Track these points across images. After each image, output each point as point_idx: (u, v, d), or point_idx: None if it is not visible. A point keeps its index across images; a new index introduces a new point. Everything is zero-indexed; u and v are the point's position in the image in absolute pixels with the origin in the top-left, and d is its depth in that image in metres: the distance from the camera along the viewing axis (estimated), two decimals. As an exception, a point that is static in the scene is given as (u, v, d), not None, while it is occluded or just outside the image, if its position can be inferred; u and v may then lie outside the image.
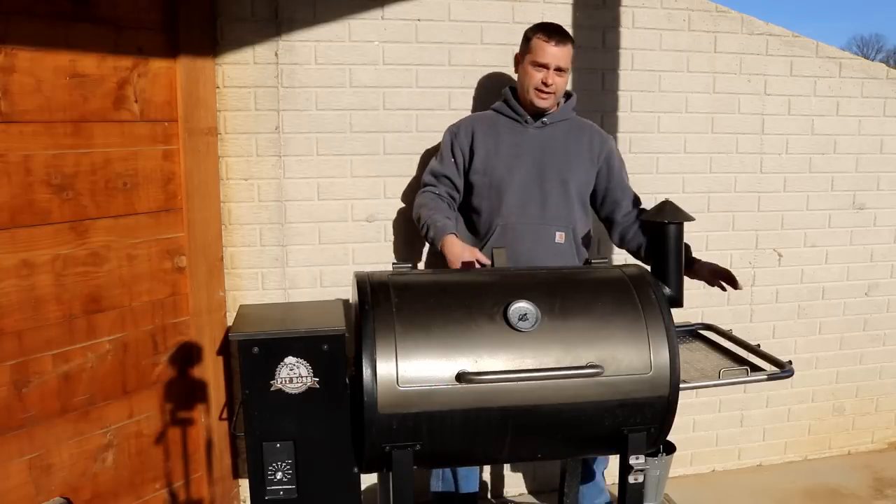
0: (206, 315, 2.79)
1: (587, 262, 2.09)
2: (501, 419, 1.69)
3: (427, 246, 2.96)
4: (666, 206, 2.03)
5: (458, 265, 2.35)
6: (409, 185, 2.96)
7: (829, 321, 3.54)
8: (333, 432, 1.74)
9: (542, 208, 2.58)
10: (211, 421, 2.85)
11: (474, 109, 2.94)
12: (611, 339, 1.72)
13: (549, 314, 1.71)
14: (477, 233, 2.65)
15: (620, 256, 3.08)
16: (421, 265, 3.02)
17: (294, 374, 1.70)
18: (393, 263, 1.89)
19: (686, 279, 2.08)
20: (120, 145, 2.48)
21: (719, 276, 2.36)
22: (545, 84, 2.52)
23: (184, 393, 2.77)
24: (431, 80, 2.92)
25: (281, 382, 1.70)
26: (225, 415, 2.88)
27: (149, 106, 2.55)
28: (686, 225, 2.01)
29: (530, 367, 1.66)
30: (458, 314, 1.70)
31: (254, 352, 1.68)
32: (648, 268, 1.99)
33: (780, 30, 3.25)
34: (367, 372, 1.61)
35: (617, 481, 1.88)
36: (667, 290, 1.95)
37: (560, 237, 2.60)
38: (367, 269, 1.85)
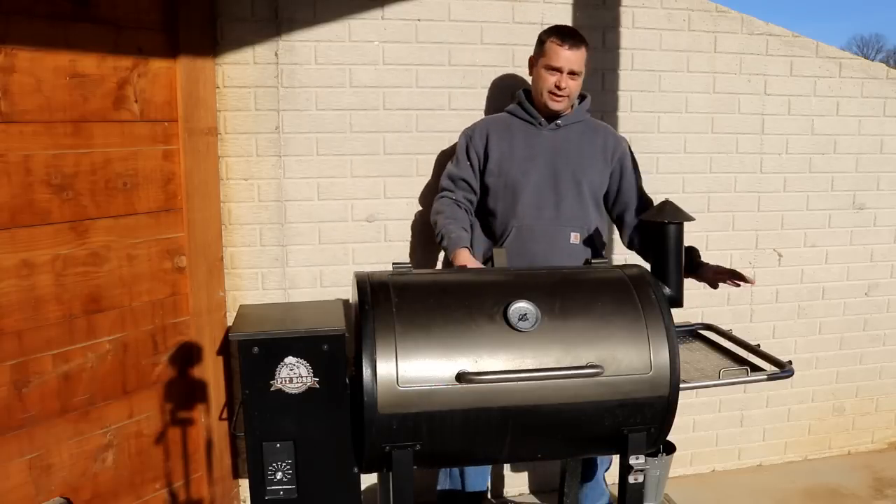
0: (206, 315, 2.79)
1: (587, 262, 2.09)
2: (501, 419, 1.69)
3: (442, 253, 2.96)
4: (666, 206, 2.03)
5: None
6: (427, 187, 2.97)
7: (829, 321, 3.54)
8: (333, 432, 1.74)
9: (556, 209, 2.60)
10: (211, 421, 2.85)
11: (487, 111, 2.95)
12: (611, 339, 1.72)
13: (549, 314, 1.71)
14: (493, 234, 2.67)
15: (620, 256, 3.08)
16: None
17: (294, 374, 1.70)
18: (393, 263, 1.89)
19: (686, 279, 2.09)
20: (120, 145, 2.48)
21: (725, 277, 2.37)
22: (559, 88, 2.54)
23: (184, 393, 2.77)
24: (431, 80, 2.92)
25: (281, 382, 1.70)
26: (225, 415, 2.88)
27: (149, 106, 2.55)
28: (686, 225, 2.01)
29: (530, 367, 1.66)
30: (458, 314, 1.70)
31: (254, 352, 1.68)
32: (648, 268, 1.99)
33: (780, 30, 3.25)
34: (367, 372, 1.61)
35: (617, 481, 1.88)
36: (667, 290, 1.95)
37: (575, 238, 2.62)
38: (367, 269, 1.85)
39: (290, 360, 1.69)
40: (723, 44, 3.17)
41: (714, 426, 3.49)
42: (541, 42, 2.60)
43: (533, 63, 2.65)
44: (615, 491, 2.00)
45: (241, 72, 2.77)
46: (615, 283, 1.83)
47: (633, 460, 1.76)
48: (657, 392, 1.72)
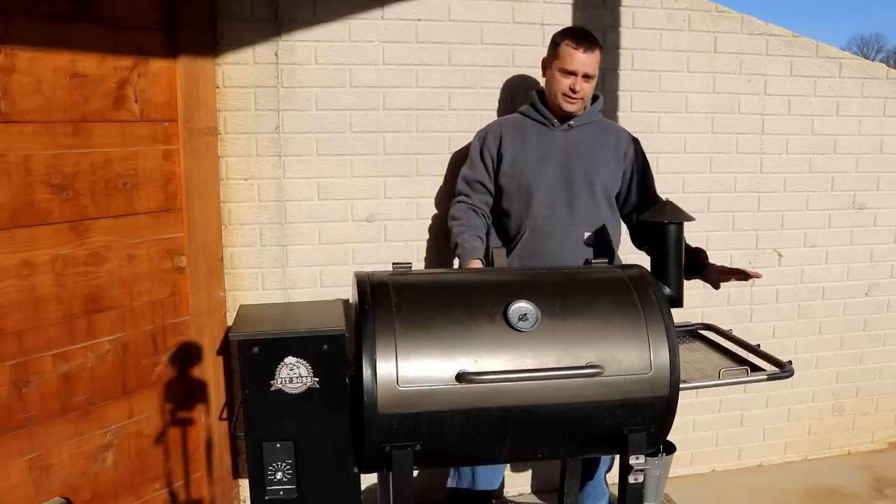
0: (206, 315, 2.79)
1: (587, 262, 2.10)
2: (501, 419, 1.69)
3: (457, 260, 2.96)
4: (666, 206, 2.03)
5: None
6: (442, 188, 2.98)
7: (829, 321, 3.54)
8: (333, 432, 1.74)
9: (569, 209, 2.61)
10: (211, 421, 2.85)
11: (499, 112, 2.96)
12: (611, 339, 1.72)
13: (549, 314, 1.71)
14: (506, 234, 2.68)
15: (634, 256, 3.08)
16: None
17: (294, 374, 1.70)
18: (393, 263, 1.89)
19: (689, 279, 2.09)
20: (120, 145, 2.48)
21: (728, 277, 2.37)
22: (573, 90, 2.56)
23: (184, 393, 2.77)
24: (431, 80, 2.92)
25: (281, 382, 1.70)
26: (225, 415, 2.88)
27: (149, 106, 2.55)
28: (686, 225, 2.01)
29: (530, 367, 1.66)
30: (458, 314, 1.70)
31: (254, 352, 1.68)
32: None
33: (780, 30, 3.25)
34: (367, 372, 1.60)
35: (617, 481, 1.88)
36: (667, 290, 1.95)
37: (588, 238, 2.62)
38: (367, 269, 1.85)
39: (290, 360, 1.69)
40: (723, 44, 3.17)
41: (714, 426, 3.49)
42: (555, 44, 2.60)
43: (547, 65, 2.65)
44: (616, 491, 2.00)
45: (241, 72, 2.77)
46: (615, 283, 1.83)
47: (633, 460, 1.76)
48: (657, 392, 1.72)
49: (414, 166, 2.96)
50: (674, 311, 1.82)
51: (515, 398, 1.67)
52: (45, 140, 2.27)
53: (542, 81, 2.84)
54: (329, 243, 2.95)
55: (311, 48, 2.81)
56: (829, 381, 3.60)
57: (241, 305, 2.15)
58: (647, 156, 2.89)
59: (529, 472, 3.33)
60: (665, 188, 3.12)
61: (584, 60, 2.54)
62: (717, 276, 2.40)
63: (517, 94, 2.96)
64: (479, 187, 2.67)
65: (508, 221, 2.67)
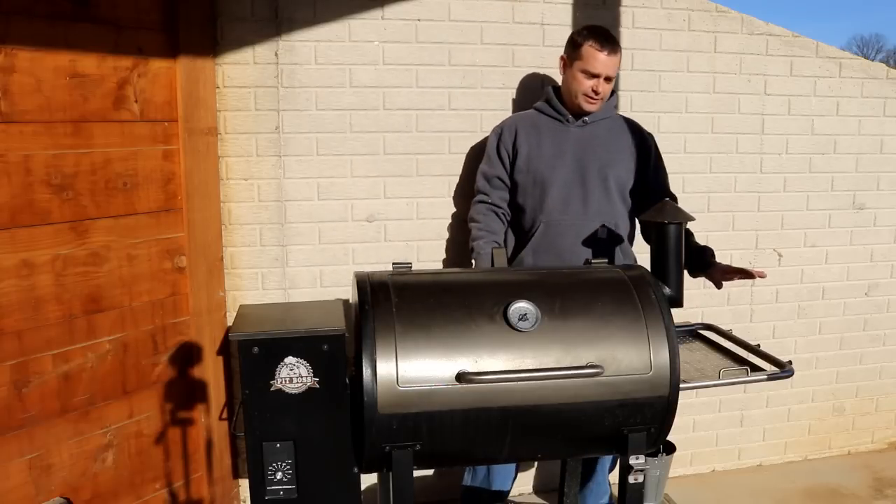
0: (206, 315, 2.79)
1: (587, 262, 2.10)
2: (501, 419, 1.69)
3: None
4: (666, 206, 2.03)
5: None
6: (459, 186, 2.99)
7: (829, 321, 3.54)
8: (333, 432, 1.74)
9: (584, 205, 2.62)
10: (211, 421, 2.85)
11: (514, 108, 2.96)
12: (611, 339, 1.72)
13: (549, 314, 1.71)
14: (521, 229, 2.69)
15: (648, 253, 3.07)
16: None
17: (294, 374, 1.70)
18: (393, 263, 1.89)
19: (687, 279, 2.08)
20: (120, 145, 2.48)
21: (732, 277, 2.38)
22: (595, 92, 2.57)
23: (184, 393, 2.77)
24: (431, 80, 2.92)
25: (281, 382, 1.70)
26: (225, 415, 2.88)
27: (149, 106, 2.55)
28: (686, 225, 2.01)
29: (530, 367, 1.66)
30: (458, 314, 1.70)
31: (254, 352, 1.68)
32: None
33: (780, 30, 3.25)
34: (367, 372, 1.60)
35: (617, 481, 1.88)
36: (667, 290, 1.95)
37: (602, 233, 2.63)
38: (367, 269, 1.85)
39: (290, 360, 1.69)
40: (723, 44, 3.17)
41: (714, 426, 3.49)
42: (576, 44, 2.60)
43: (566, 63, 2.65)
44: (616, 491, 2.00)
45: (241, 72, 2.77)
46: (615, 283, 1.83)
47: (633, 460, 1.76)
48: (657, 392, 1.72)
49: (414, 166, 2.96)
50: (674, 311, 1.82)
51: (515, 398, 1.67)
52: (45, 140, 2.27)
53: (542, 81, 2.85)
54: (329, 243, 2.95)
55: (311, 48, 2.81)
56: (829, 381, 3.60)
57: (241, 305, 2.15)
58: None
59: (530, 472, 3.33)
60: (665, 188, 3.12)
61: (607, 63, 2.55)
62: (720, 275, 2.40)
63: (517, 93, 2.97)
64: (497, 183, 2.69)
65: (523, 216, 2.68)
